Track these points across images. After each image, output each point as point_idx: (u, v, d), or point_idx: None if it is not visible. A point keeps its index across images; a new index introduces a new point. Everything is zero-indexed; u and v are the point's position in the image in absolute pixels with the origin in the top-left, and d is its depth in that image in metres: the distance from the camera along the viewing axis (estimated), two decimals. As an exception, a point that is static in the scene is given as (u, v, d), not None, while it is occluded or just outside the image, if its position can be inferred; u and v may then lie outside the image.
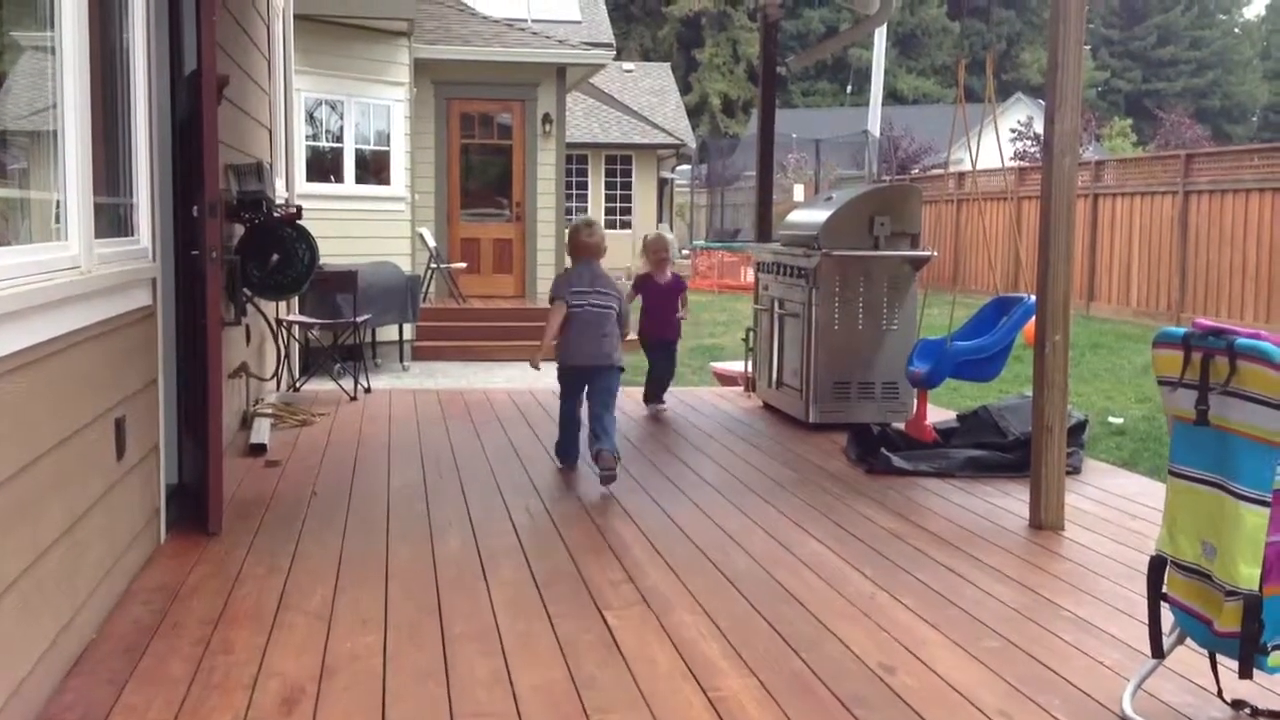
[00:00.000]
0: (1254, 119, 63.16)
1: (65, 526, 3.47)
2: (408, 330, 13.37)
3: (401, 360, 13.30)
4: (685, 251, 31.57)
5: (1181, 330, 3.10)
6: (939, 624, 4.02)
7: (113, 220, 4.29)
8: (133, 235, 4.52)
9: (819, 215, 7.61)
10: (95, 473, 3.82)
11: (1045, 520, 5.21)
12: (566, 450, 6.36)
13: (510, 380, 12.06)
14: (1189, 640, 3.26)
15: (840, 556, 4.83)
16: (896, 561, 4.77)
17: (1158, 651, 3.24)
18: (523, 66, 15.79)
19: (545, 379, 11.71)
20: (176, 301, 5.53)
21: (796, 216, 8.25)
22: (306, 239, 6.94)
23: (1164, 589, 3.20)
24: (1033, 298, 6.06)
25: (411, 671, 3.55)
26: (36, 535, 3.21)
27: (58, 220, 3.64)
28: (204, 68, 4.76)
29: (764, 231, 9.15)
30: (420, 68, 14.89)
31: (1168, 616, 3.26)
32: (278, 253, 6.81)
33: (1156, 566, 3.21)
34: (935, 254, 7.64)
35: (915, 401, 6.82)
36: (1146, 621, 3.81)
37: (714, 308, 20.72)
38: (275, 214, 6.98)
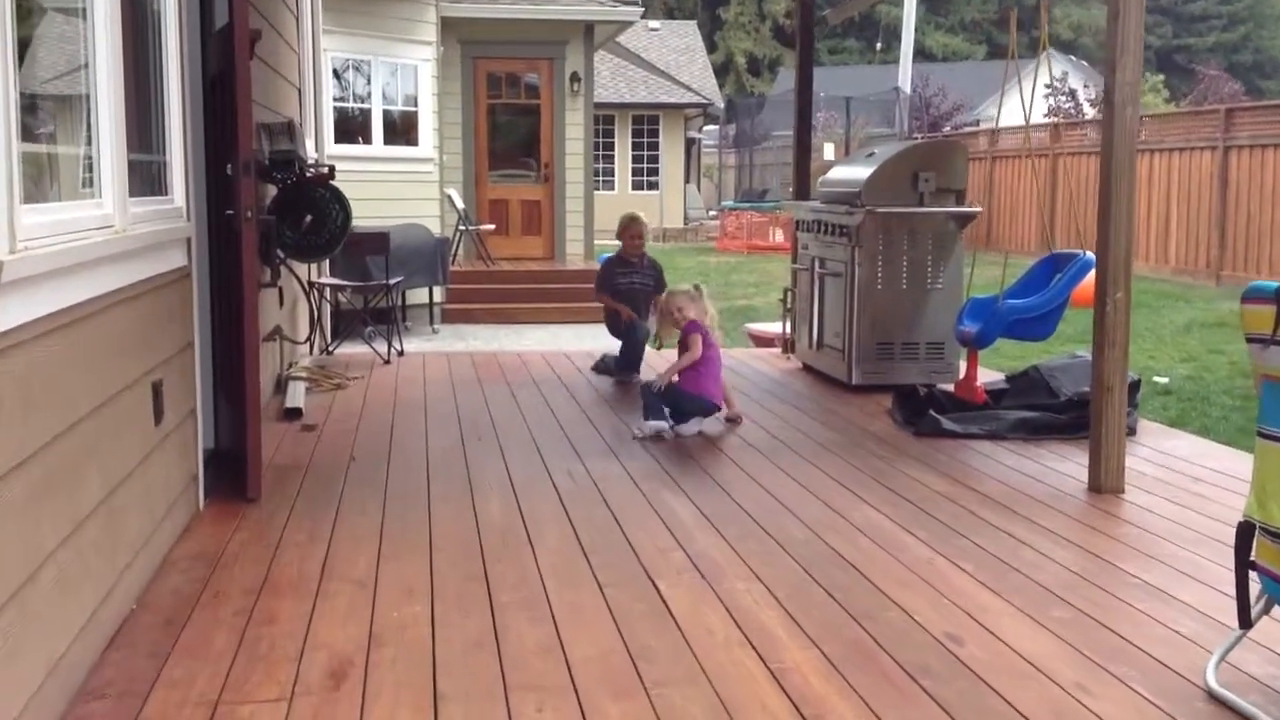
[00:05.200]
0: (1288, 74, 62.15)
1: (104, 495, 3.36)
2: (437, 293, 13.26)
3: (431, 323, 13.21)
4: (713, 212, 31.34)
5: (1274, 284, 2.93)
6: (1002, 591, 3.88)
7: (145, 179, 4.16)
8: (167, 194, 4.39)
9: (861, 172, 7.42)
10: (133, 438, 3.71)
11: (1105, 483, 5.05)
12: None
13: (541, 343, 11.96)
14: (1276, 610, 3.11)
15: (894, 521, 4.69)
16: (952, 526, 4.62)
17: (1245, 622, 3.09)
18: (550, 24, 15.57)
19: (580, 341, 11.63)
20: (210, 263, 5.42)
21: (837, 174, 8.06)
22: (340, 200, 6.81)
23: (1252, 556, 3.04)
24: (1089, 254, 5.89)
25: (461, 641, 3.44)
26: (75, 504, 3.10)
27: (88, 184, 3.52)
28: (236, 21, 4.61)
29: (802, 189, 8.95)
30: (447, 27, 14.71)
31: (1255, 585, 3.11)
32: (311, 214, 6.68)
33: (1244, 532, 3.05)
34: (981, 210, 7.44)
35: (964, 362, 6.65)
36: (1220, 588, 3.69)
37: (744, 269, 20.54)
38: (308, 174, 6.85)
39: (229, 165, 4.80)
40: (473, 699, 3.08)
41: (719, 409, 6.36)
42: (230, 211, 4.79)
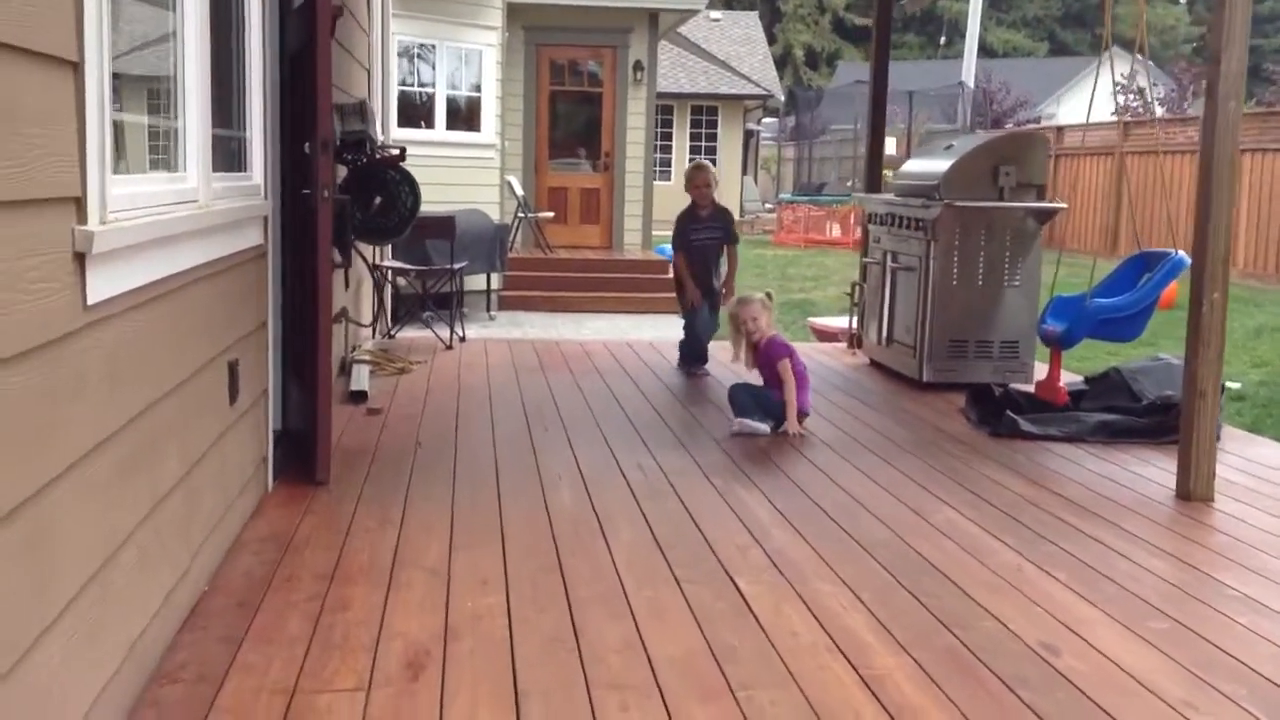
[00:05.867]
0: (1358, 77, 60.81)
1: (182, 473, 3.30)
2: (495, 279, 13.20)
3: (489, 309, 13.15)
4: (769, 205, 31.14)
5: None
6: (1097, 601, 3.74)
7: (225, 155, 4.09)
8: (246, 171, 4.33)
9: (939, 164, 7.26)
10: (211, 417, 3.65)
11: (1194, 490, 4.88)
12: None
13: (599, 332, 11.87)
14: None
15: (977, 524, 4.55)
16: (1038, 531, 4.48)
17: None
18: (615, 12, 15.44)
19: (638, 331, 11.53)
20: (282, 242, 5.35)
21: (913, 166, 7.90)
22: (410, 182, 6.73)
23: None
24: (1181, 253, 5.71)
25: (539, 636, 3.35)
26: (155, 483, 3.04)
27: (167, 158, 3.45)
28: (318, -3, 4.53)
29: (874, 182, 8.79)
30: (512, 13, 14.62)
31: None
32: (380, 195, 6.61)
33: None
34: (1065, 206, 7.25)
35: (1044, 362, 6.47)
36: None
37: (801, 262, 20.35)
38: (378, 156, 6.78)
39: (306, 144, 4.73)
40: (554, 696, 2.98)
41: (807, 414, 6.18)
42: (307, 190, 4.72)
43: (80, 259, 2.42)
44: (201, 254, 3.43)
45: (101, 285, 2.54)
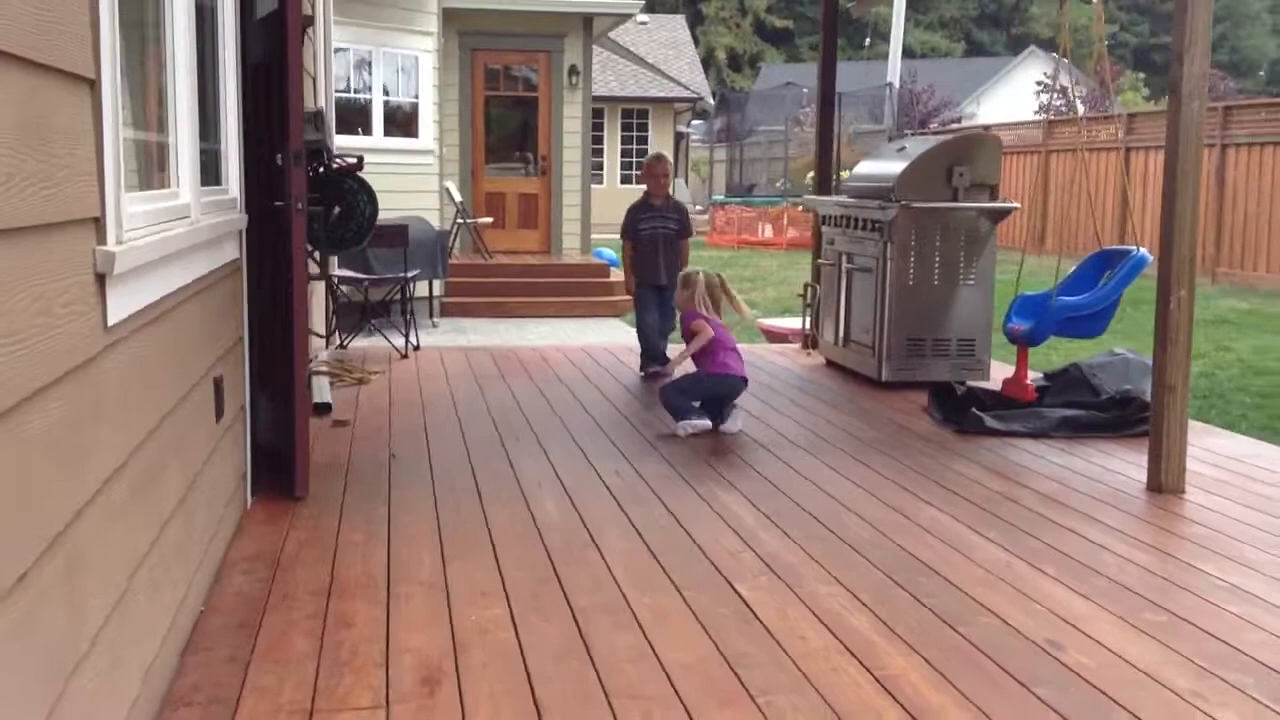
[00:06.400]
0: (1262, 73, 62.51)
1: (183, 493, 3.24)
2: (437, 286, 13.11)
3: (431, 316, 13.05)
4: (699, 207, 31.25)
5: None
6: (1089, 594, 3.80)
7: (203, 169, 4.02)
8: (222, 185, 4.26)
9: (894, 166, 7.34)
10: (202, 436, 3.59)
11: (1166, 483, 4.98)
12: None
13: (543, 337, 11.84)
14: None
15: (959, 521, 4.60)
16: (1020, 526, 4.55)
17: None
18: (550, 16, 15.41)
19: (583, 336, 11.52)
20: (247, 254, 5.26)
21: (866, 168, 7.98)
22: (368, 191, 6.66)
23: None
24: (1143, 250, 5.83)
25: (549, 647, 3.33)
26: (161, 503, 2.98)
27: (151, 168, 3.38)
28: (289, 7, 4.47)
29: (825, 184, 8.87)
30: (447, 18, 14.53)
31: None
32: (339, 204, 6.53)
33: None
34: (1018, 206, 7.36)
35: (999, 360, 6.56)
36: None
37: (737, 264, 20.44)
38: (334, 164, 6.70)
39: (279, 156, 4.66)
40: (575, 708, 2.97)
41: (746, 381, 6.24)
42: (280, 202, 4.65)
43: (101, 280, 2.37)
44: (193, 270, 3.37)
45: (119, 306, 2.48)
